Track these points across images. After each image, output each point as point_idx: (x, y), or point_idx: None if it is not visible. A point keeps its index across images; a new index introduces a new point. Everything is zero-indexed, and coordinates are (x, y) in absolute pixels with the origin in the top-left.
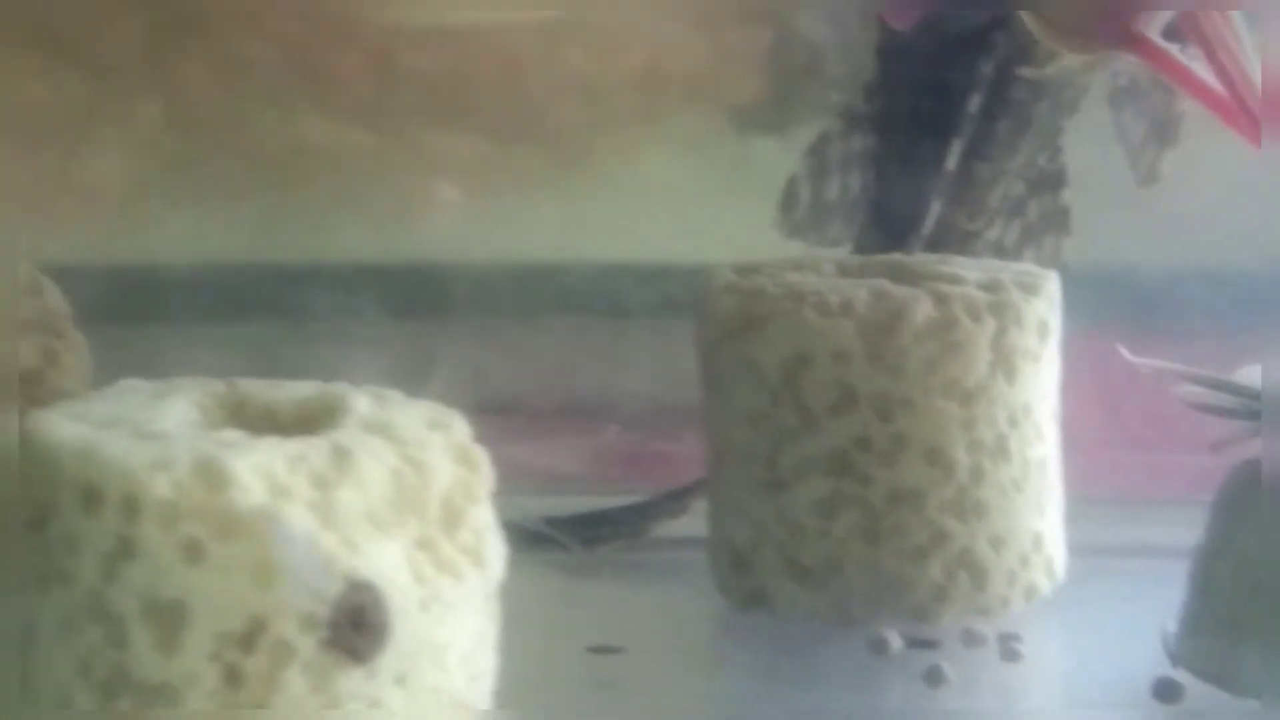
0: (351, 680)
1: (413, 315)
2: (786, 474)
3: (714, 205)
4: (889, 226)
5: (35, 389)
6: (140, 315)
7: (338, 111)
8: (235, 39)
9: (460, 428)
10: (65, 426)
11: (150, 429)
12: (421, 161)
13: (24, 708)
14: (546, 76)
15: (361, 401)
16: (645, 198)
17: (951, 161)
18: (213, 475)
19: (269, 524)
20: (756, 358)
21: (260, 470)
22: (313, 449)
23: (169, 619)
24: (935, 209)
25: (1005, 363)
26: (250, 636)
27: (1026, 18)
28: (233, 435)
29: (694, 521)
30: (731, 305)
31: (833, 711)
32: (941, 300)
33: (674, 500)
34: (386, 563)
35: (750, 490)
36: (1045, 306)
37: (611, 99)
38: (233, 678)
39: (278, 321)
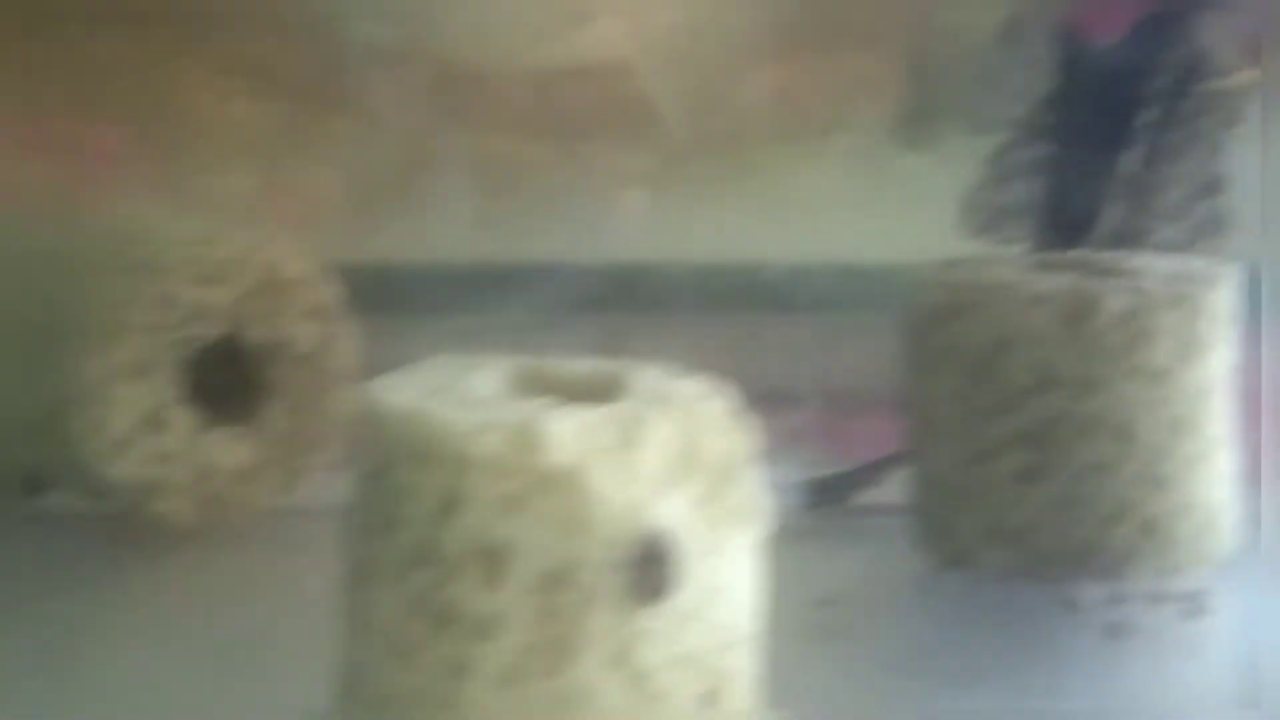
0: (648, 617)
1: (612, 310)
2: (988, 448)
3: (870, 212)
4: (1065, 227)
5: (316, 368)
6: (373, 309)
7: (536, 133)
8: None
9: (730, 397)
10: (399, 393)
11: (470, 397)
12: (615, 174)
13: (360, 641)
14: (721, 100)
15: (643, 375)
16: (812, 205)
17: (1124, 168)
18: (530, 437)
19: (579, 480)
20: (962, 343)
21: (570, 433)
22: (611, 416)
23: (493, 561)
24: (1108, 212)
25: (1188, 348)
26: (562, 577)
27: (1214, 35)
28: (542, 402)
29: (885, 491)
30: (940, 296)
31: (1027, 659)
32: (1133, 292)
33: (873, 471)
34: (674, 516)
35: (953, 463)
36: (1225, 297)
37: (779, 117)
38: (547, 612)
39: (490, 315)
